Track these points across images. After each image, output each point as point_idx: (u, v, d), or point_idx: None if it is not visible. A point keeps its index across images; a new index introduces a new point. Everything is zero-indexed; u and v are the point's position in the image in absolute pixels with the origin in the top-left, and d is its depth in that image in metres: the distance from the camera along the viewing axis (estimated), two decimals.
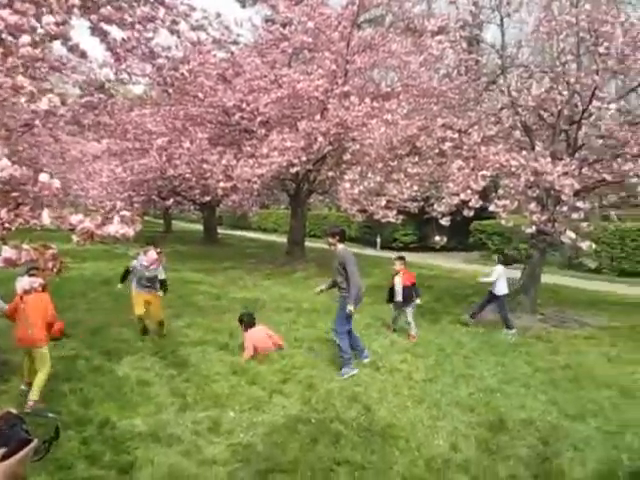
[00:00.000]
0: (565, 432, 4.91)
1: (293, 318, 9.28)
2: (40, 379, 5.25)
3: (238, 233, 33.94)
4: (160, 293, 7.85)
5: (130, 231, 2.98)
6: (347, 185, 10.10)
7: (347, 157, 11.60)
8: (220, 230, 29.47)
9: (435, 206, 8.42)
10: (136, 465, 4.15)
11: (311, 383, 5.98)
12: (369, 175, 9.81)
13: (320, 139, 12.07)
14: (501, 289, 8.87)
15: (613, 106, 10.29)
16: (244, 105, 13.42)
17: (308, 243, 19.06)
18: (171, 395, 5.59)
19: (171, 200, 20.36)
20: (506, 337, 8.44)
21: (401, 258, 8.42)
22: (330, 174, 14.61)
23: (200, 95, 12.72)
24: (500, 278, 8.84)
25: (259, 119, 13.36)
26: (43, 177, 2.85)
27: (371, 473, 4.10)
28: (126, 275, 7.84)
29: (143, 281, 7.56)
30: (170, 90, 13.11)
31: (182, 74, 10.49)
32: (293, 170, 12.79)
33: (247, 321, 7.21)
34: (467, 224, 20.84)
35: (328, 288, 6.79)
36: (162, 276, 7.74)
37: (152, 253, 3.06)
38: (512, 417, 5.20)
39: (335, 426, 4.90)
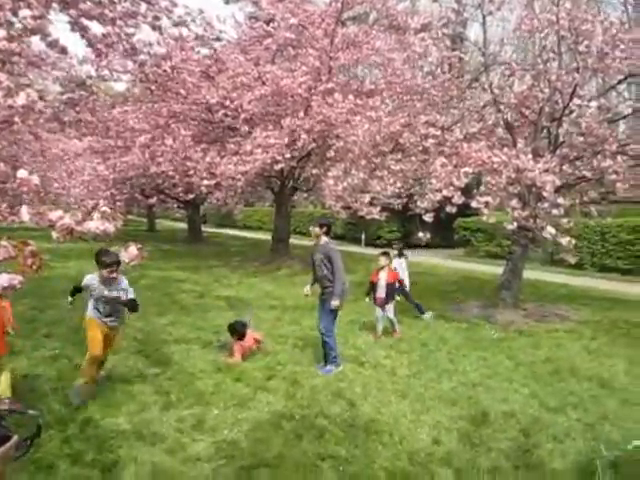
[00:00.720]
0: (546, 424, 4.98)
1: (278, 315, 9.29)
2: (6, 376, 5.05)
3: (223, 231, 33.84)
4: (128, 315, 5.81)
5: (110, 227, 2.97)
6: (331, 182, 10.13)
7: (331, 154, 11.63)
8: (205, 228, 29.35)
9: (418, 202, 8.49)
10: (119, 464, 4.12)
11: (295, 379, 6.00)
12: (353, 172, 9.84)
13: (304, 136, 12.09)
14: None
15: (593, 104, 10.41)
16: (227, 102, 13.39)
17: (293, 240, 19.07)
18: (154, 393, 5.56)
19: (154, 198, 20.27)
20: (425, 319, 9.24)
21: (386, 254, 8.41)
22: (314, 171, 14.64)
23: (183, 92, 12.64)
24: (399, 268, 9.46)
25: (243, 116, 13.34)
26: (21, 173, 2.83)
27: (355, 467, 4.13)
28: (76, 292, 5.53)
29: (101, 305, 5.36)
30: (152, 87, 13.05)
31: (164, 71, 10.45)
32: (277, 167, 12.80)
33: (240, 331, 6.85)
34: (451, 221, 21.00)
35: (312, 285, 6.79)
36: (131, 294, 5.45)
37: (133, 249, 3.06)
38: (494, 410, 5.25)
39: (319, 421, 4.92)
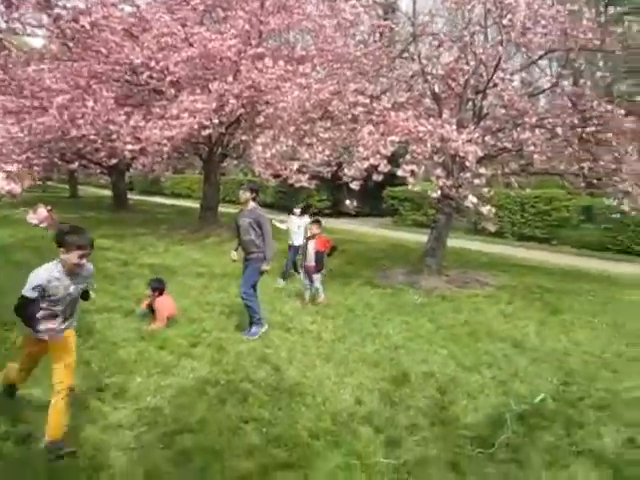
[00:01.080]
0: (461, 382, 5.24)
1: (205, 283, 9.19)
2: None
3: (150, 199, 32.84)
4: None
5: (17, 188, 2.80)
6: (259, 148, 10.00)
7: (260, 120, 11.46)
8: (131, 195, 28.34)
9: (345, 170, 8.55)
10: (35, 435, 3.98)
11: (221, 346, 5.99)
12: (281, 139, 9.75)
13: (232, 101, 11.83)
14: (295, 239, 9.60)
15: (516, 77, 10.77)
16: (153, 63, 12.83)
17: (222, 209, 18.80)
18: (75, 363, 5.38)
19: (76, 163, 19.27)
20: (278, 285, 9.23)
21: (317, 222, 8.47)
22: (243, 138, 14.41)
23: (104, 51, 12.03)
24: (295, 229, 9.67)
25: (169, 79, 12.84)
26: None
27: (279, 429, 4.19)
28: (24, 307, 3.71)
29: (61, 306, 3.84)
30: (70, 44, 12.33)
31: (83, 26, 9.87)
32: (205, 133, 12.49)
33: (159, 287, 6.87)
34: (380, 190, 21.35)
35: (236, 250, 6.79)
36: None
37: (42, 210, 2.89)
38: (414, 371, 5.47)
39: (244, 386, 4.95)
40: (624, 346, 6.77)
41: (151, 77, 13.25)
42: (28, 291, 3.66)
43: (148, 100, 14.52)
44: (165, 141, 11.91)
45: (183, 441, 3.97)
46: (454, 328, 7.10)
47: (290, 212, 10.16)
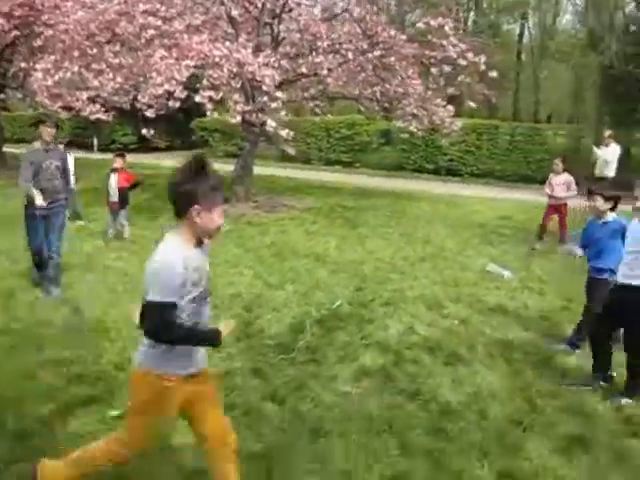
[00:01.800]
0: (267, 299, 5.55)
1: None
2: None
3: None
4: None
5: None
6: (40, 75, 8.96)
7: (39, 44, 10.20)
8: None
9: (139, 97, 8.10)
10: None
11: (11, 293, 5.52)
12: (65, 64, 8.82)
13: (1, 21, 10.32)
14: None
15: (310, 2, 10.93)
16: None
17: (9, 149, 16.79)
18: None
19: None
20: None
21: (121, 155, 8.01)
22: (23, 65, 12.75)
23: None
24: None
25: None
26: None
27: (81, 367, 4.07)
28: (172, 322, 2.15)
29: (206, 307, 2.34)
30: None
31: None
32: None
33: None
34: (189, 122, 20.70)
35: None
36: None
37: None
38: (220, 293, 5.58)
39: (40, 331, 4.66)
40: (412, 251, 7.67)
41: None
42: (167, 293, 2.08)
43: None
44: None
45: None
46: (260, 250, 7.39)
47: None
